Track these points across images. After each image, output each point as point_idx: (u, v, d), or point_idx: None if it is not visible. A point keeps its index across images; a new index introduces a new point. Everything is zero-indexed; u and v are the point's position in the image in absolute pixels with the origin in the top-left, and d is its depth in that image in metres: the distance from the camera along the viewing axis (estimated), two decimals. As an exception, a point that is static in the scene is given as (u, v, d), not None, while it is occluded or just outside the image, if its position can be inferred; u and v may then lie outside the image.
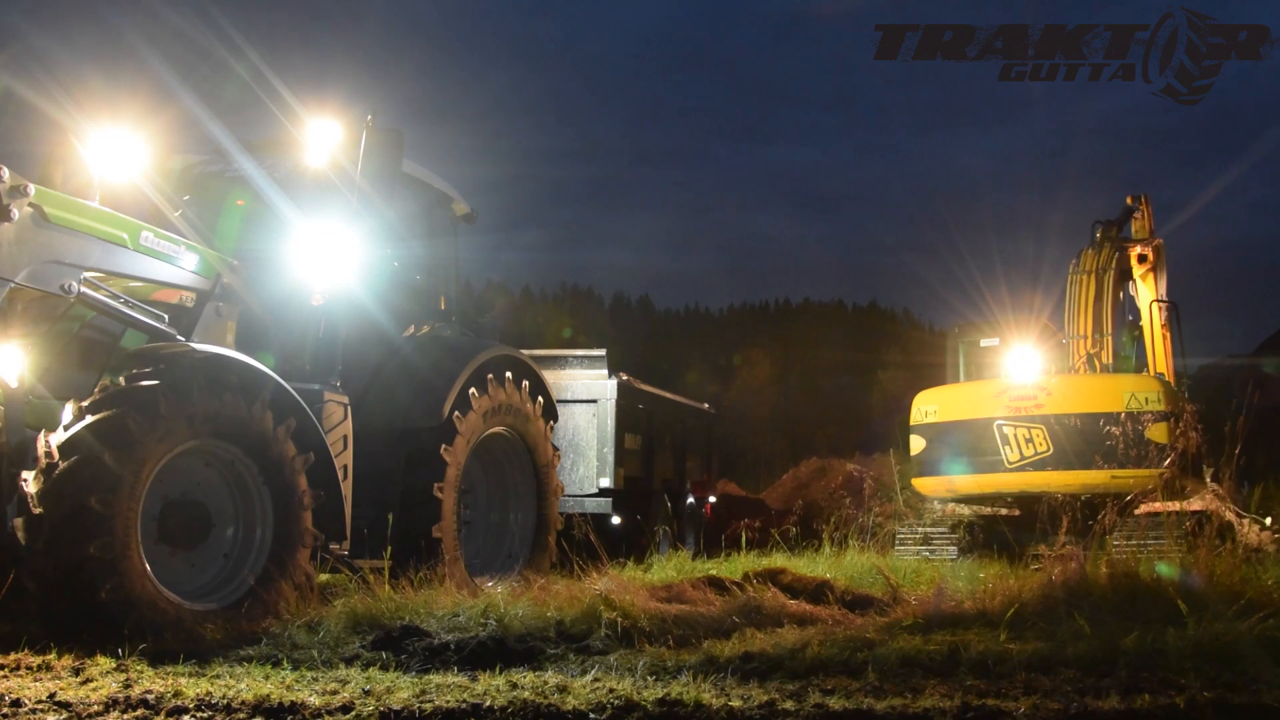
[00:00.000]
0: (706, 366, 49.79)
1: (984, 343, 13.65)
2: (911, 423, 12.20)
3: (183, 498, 5.96)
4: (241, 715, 3.92)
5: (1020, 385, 11.66)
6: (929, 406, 12.06)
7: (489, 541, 8.70)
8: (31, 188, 5.77)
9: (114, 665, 4.88)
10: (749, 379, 49.88)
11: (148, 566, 5.54)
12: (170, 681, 4.45)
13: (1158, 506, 10.00)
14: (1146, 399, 10.75)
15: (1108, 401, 10.90)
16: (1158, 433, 10.58)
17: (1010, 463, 11.22)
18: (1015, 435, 11.19)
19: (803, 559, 10.04)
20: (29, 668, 4.84)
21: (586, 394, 11.63)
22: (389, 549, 6.63)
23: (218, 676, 4.66)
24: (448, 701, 4.01)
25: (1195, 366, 14.24)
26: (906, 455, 12.75)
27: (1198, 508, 10.21)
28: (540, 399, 8.86)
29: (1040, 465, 11.07)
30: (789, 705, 3.95)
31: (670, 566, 9.86)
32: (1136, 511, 9.61)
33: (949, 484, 11.85)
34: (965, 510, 12.43)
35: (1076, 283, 12.76)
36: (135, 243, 6.50)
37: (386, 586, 6.14)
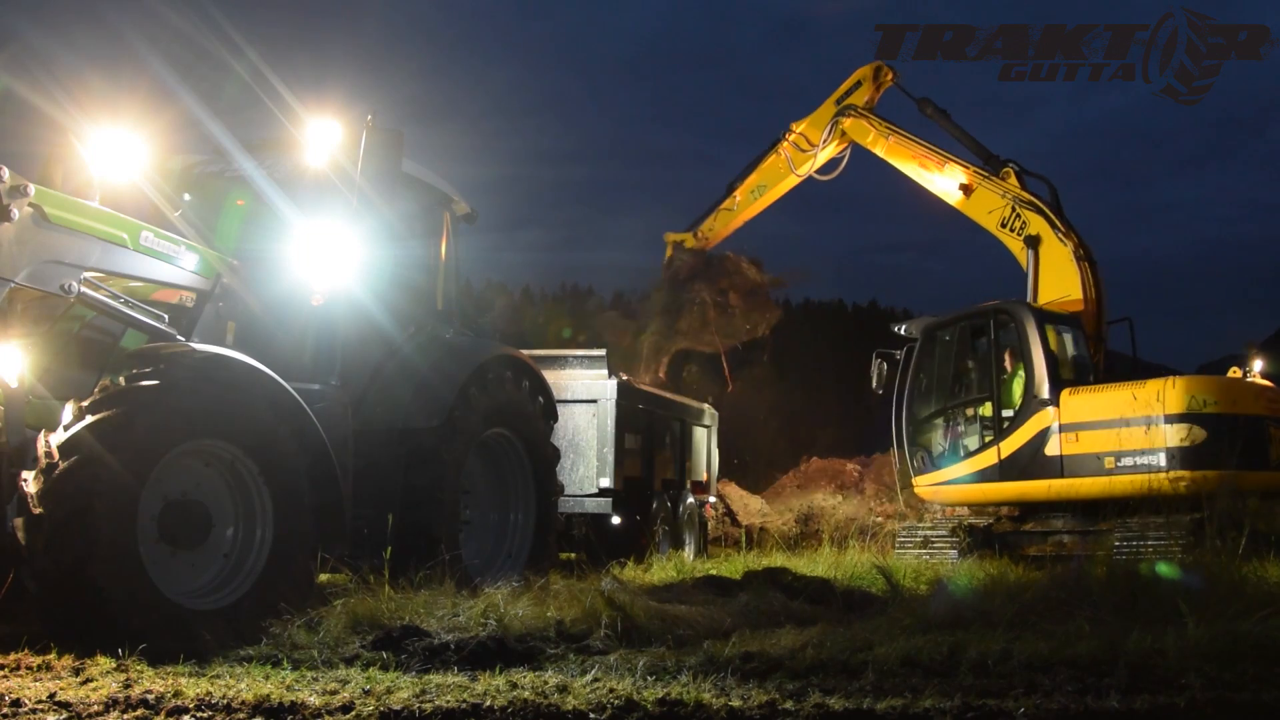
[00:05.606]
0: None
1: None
2: (1187, 410, 11.47)
3: (183, 498, 5.95)
4: (241, 715, 3.92)
5: (1274, 385, 11.82)
6: (1207, 397, 11.53)
7: (489, 541, 8.68)
8: (31, 188, 5.76)
9: (114, 665, 4.89)
10: (749, 379, 49.77)
11: (148, 567, 5.53)
12: (170, 681, 4.46)
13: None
14: None
15: None
16: None
17: (1274, 461, 11.23)
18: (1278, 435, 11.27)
19: (803, 559, 10.05)
20: (29, 668, 4.85)
21: (586, 394, 11.62)
22: (389, 549, 6.62)
23: (218, 676, 4.66)
24: (448, 701, 4.01)
25: (1195, 366, 14.17)
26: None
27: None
28: (540, 399, 8.85)
29: None
30: (789, 705, 3.95)
31: (670, 566, 9.88)
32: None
33: (1233, 478, 11.65)
34: (965, 511, 12.37)
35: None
36: (135, 243, 6.50)
37: (386, 586, 6.14)
